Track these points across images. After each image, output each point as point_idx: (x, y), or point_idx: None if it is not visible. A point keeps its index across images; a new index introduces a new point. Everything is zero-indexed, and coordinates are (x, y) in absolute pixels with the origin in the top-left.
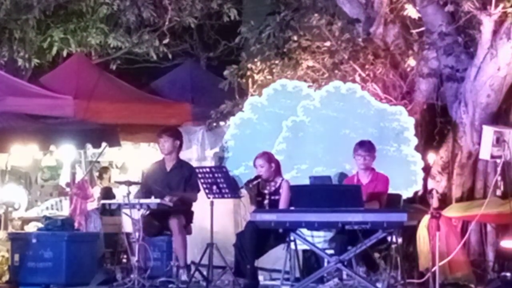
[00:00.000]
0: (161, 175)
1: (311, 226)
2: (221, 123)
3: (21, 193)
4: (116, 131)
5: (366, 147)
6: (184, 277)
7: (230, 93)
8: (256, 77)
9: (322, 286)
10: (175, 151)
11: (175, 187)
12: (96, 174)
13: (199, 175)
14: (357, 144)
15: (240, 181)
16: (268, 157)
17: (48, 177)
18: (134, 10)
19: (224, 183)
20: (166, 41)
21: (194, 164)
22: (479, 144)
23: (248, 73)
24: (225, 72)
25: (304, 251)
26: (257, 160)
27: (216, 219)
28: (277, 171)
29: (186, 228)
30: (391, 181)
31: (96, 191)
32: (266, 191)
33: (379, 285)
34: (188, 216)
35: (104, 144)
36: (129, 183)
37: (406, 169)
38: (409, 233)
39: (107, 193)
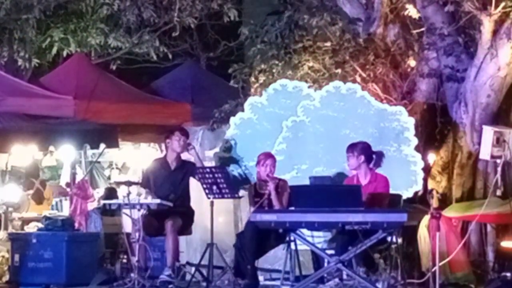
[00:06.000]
0: (164, 173)
1: (311, 226)
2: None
3: (21, 193)
4: (115, 132)
5: (351, 148)
6: (166, 272)
7: (231, 93)
8: (259, 77)
9: (322, 286)
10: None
11: (178, 185)
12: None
13: (199, 175)
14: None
15: (251, 176)
16: (275, 158)
17: (48, 177)
18: (134, 10)
19: (224, 183)
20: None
21: None
22: (479, 144)
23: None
24: (230, 70)
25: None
26: (269, 159)
27: (216, 219)
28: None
29: (186, 229)
30: (391, 181)
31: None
32: (265, 192)
33: (379, 285)
34: (188, 216)
35: (102, 145)
36: (129, 183)
37: (406, 169)
38: (409, 233)
39: (111, 193)
